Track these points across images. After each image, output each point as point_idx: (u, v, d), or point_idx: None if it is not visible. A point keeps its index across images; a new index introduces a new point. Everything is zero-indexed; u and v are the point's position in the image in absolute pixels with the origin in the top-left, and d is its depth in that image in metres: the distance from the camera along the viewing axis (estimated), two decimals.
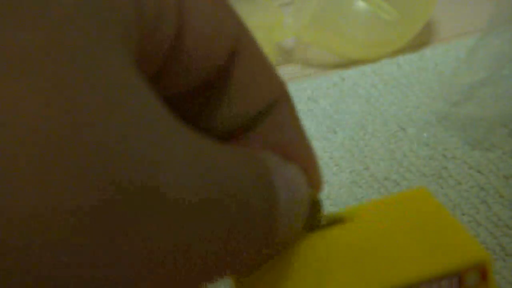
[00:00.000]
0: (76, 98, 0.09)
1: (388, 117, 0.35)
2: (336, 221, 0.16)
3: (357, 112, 0.36)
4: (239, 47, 0.13)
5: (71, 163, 0.09)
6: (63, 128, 0.09)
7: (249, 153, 0.13)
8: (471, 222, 0.26)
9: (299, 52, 0.44)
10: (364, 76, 0.39)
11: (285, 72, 0.42)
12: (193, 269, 0.11)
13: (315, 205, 0.15)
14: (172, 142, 0.11)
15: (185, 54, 0.13)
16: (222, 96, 0.14)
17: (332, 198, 0.29)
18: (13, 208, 0.08)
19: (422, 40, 0.43)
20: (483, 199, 0.27)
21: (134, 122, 0.10)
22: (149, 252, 0.10)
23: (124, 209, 0.09)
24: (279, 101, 0.15)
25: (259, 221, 0.12)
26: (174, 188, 0.10)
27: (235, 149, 0.13)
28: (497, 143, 0.31)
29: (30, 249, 0.09)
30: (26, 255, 0.09)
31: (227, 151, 0.12)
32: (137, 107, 0.10)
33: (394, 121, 0.34)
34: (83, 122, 0.09)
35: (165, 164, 0.10)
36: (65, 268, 0.09)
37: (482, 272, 0.14)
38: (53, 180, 0.09)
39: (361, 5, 0.41)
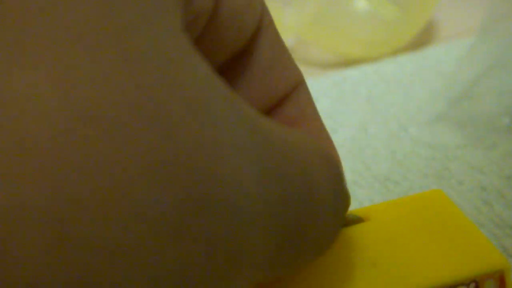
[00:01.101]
0: (139, 77, 0.08)
1: (389, 117, 0.34)
2: (351, 221, 0.15)
3: (358, 111, 0.35)
4: (262, 25, 0.13)
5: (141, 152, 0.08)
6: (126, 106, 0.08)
7: (306, 135, 0.13)
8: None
9: (299, 52, 0.43)
10: (365, 75, 0.39)
11: None
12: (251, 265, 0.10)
13: None
14: (232, 122, 0.10)
15: (220, 25, 0.12)
16: (246, 75, 0.14)
17: None
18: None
19: (423, 39, 0.42)
20: (485, 200, 0.27)
21: (199, 99, 0.09)
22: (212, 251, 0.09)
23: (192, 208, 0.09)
24: (299, 88, 0.14)
25: (329, 213, 0.12)
26: (236, 181, 0.09)
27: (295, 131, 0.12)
28: (499, 141, 0.30)
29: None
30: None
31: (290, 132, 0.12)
32: (199, 83, 0.09)
33: (395, 120, 0.34)
34: (148, 101, 0.09)
35: (226, 149, 0.09)
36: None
37: (501, 279, 0.14)
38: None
39: (362, 4, 0.40)
